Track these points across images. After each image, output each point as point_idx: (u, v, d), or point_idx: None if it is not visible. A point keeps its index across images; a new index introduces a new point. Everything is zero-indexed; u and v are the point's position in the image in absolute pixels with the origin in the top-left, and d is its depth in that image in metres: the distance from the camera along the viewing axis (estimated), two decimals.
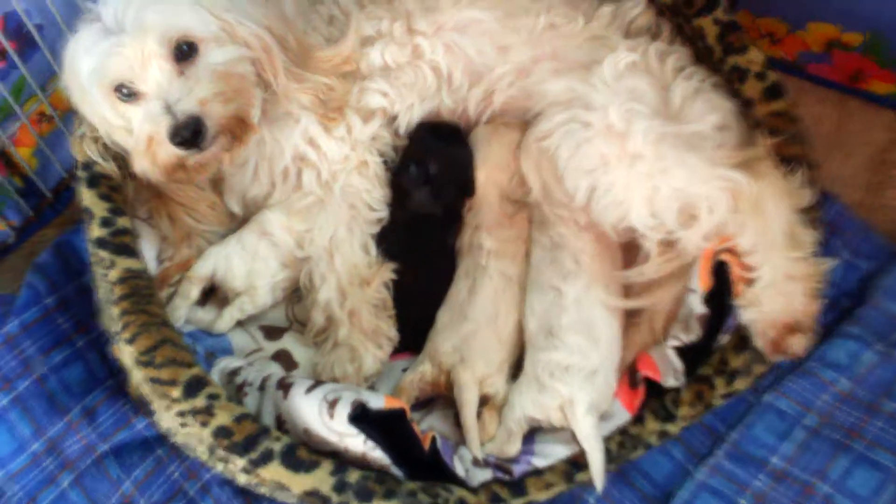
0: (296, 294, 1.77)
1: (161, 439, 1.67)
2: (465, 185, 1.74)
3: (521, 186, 1.72)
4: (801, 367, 1.70)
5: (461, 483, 1.47)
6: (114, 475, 1.65)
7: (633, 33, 1.71)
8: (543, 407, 1.52)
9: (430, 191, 1.72)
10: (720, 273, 1.49)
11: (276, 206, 1.71)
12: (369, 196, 1.72)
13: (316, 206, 1.70)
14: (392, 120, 1.75)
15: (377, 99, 1.70)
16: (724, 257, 1.48)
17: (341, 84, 1.64)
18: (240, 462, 1.35)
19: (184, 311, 1.66)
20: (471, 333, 1.61)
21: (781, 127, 1.55)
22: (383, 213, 1.74)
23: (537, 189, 1.69)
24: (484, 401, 1.59)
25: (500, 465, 1.51)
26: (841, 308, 1.78)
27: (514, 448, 1.53)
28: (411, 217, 1.74)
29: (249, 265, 1.68)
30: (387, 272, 1.69)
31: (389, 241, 1.73)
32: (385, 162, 1.75)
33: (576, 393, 1.50)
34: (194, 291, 1.67)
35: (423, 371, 1.61)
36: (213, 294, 1.73)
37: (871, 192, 1.98)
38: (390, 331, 1.69)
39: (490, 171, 1.73)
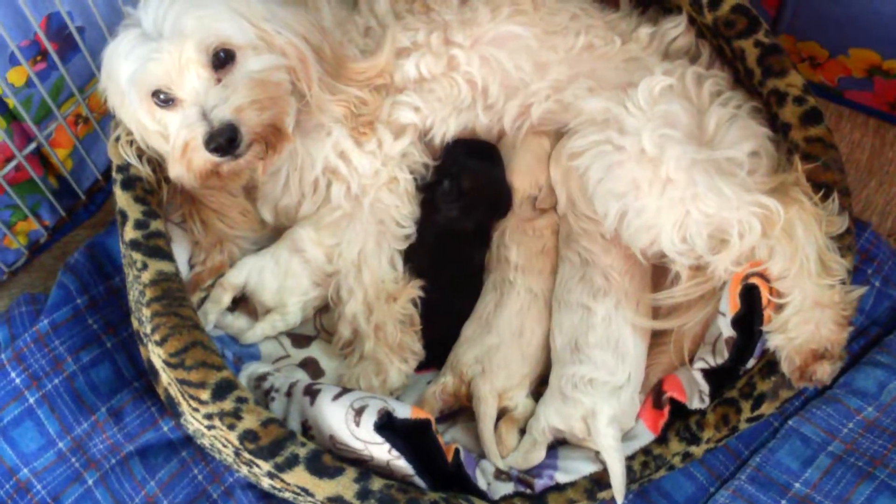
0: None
1: (186, 442, 1.70)
2: (496, 204, 1.74)
3: (550, 195, 1.73)
4: (828, 394, 1.70)
5: (483, 496, 1.47)
6: (138, 476, 1.66)
7: (671, 55, 1.71)
8: (566, 417, 1.53)
9: (461, 207, 1.73)
10: (750, 297, 1.48)
11: (306, 222, 1.71)
12: (398, 212, 1.72)
13: (345, 220, 1.70)
14: (425, 135, 1.75)
15: (408, 114, 1.70)
16: (755, 281, 1.47)
17: (374, 98, 1.64)
18: (265, 466, 1.36)
19: (214, 315, 1.67)
20: (494, 346, 1.62)
21: (817, 153, 1.54)
22: (411, 229, 1.74)
23: (563, 200, 1.70)
24: (503, 413, 1.60)
25: (523, 478, 1.52)
26: (870, 336, 1.77)
27: (538, 456, 1.54)
28: (440, 234, 1.74)
29: (281, 281, 1.69)
30: (414, 289, 1.69)
31: (418, 257, 1.73)
32: (415, 179, 1.75)
33: (599, 404, 1.51)
34: (226, 298, 1.68)
35: (444, 382, 1.62)
36: (244, 301, 1.73)
37: None
38: (415, 345, 1.69)
39: (513, 176, 1.74)
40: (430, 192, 1.75)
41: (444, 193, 1.72)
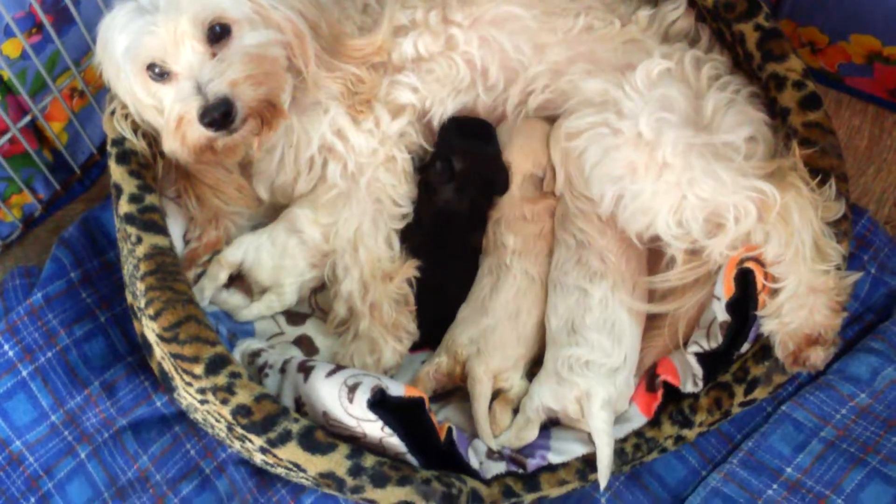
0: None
1: (179, 417, 1.70)
2: (492, 182, 1.74)
3: (551, 181, 1.72)
4: (821, 380, 1.70)
5: (475, 474, 1.47)
6: (131, 450, 1.67)
7: (671, 38, 1.70)
8: (561, 398, 1.53)
9: (455, 188, 1.72)
10: (745, 282, 1.49)
11: (304, 202, 1.71)
12: (395, 191, 1.72)
13: (341, 199, 1.69)
14: (423, 115, 1.74)
15: (406, 94, 1.70)
16: (750, 265, 1.47)
17: (371, 76, 1.64)
18: (257, 441, 1.36)
19: (210, 291, 1.67)
20: (490, 328, 1.61)
21: (815, 138, 1.55)
22: (408, 209, 1.74)
23: (561, 179, 1.70)
24: (497, 394, 1.60)
25: (515, 458, 1.52)
26: (865, 322, 1.78)
27: (530, 435, 1.54)
28: (437, 215, 1.74)
29: (277, 261, 1.69)
30: (410, 269, 1.69)
31: (414, 238, 1.73)
32: (413, 159, 1.75)
33: (594, 386, 1.51)
34: (223, 275, 1.68)
35: (439, 362, 1.62)
36: (239, 278, 1.73)
37: None
38: (410, 325, 1.69)
39: (512, 154, 1.73)
40: (425, 173, 1.75)
41: (437, 175, 1.72)
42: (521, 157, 1.72)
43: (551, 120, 1.73)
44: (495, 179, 1.74)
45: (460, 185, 1.72)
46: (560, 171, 1.70)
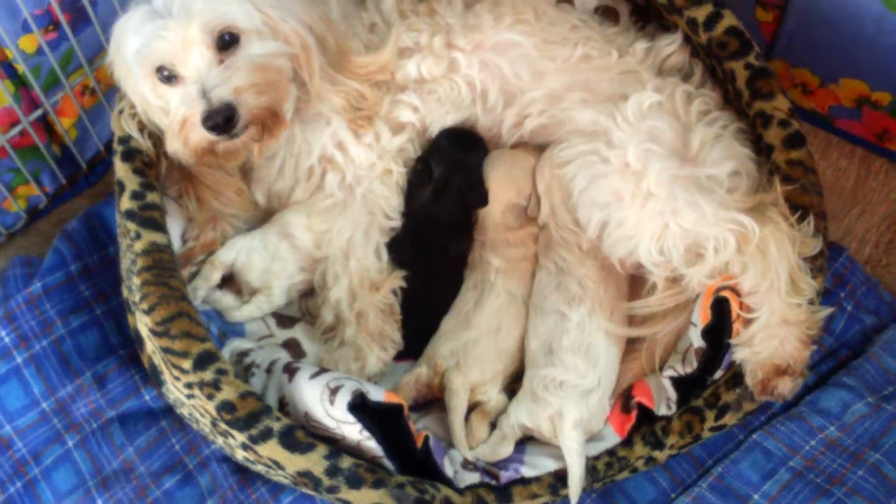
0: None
1: (166, 411, 1.72)
2: (470, 194, 1.76)
3: (535, 208, 1.75)
4: (793, 411, 1.73)
5: (449, 483, 1.50)
6: (117, 441, 1.69)
7: (665, 71, 1.74)
8: (535, 417, 1.56)
9: (433, 191, 1.75)
10: (720, 310, 1.52)
11: (298, 208, 1.74)
12: (387, 204, 1.75)
13: (337, 208, 1.73)
14: (423, 131, 1.78)
15: (407, 113, 1.73)
16: (726, 294, 1.51)
17: (373, 93, 1.68)
18: (240, 437, 1.39)
19: (203, 291, 1.70)
20: (471, 341, 1.65)
21: (797, 175, 1.58)
22: (398, 222, 1.77)
23: (546, 209, 1.73)
24: (475, 406, 1.63)
25: (489, 469, 1.55)
26: (839, 358, 1.81)
27: (506, 450, 1.58)
28: (417, 220, 1.77)
29: (268, 264, 1.72)
30: (396, 279, 1.72)
31: (399, 249, 1.76)
32: (408, 173, 1.78)
33: (566, 406, 1.54)
34: (216, 275, 1.71)
35: (420, 372, 1.65)
36: (231, 280, 1.76)
37: (883, 250, 2.00)
38: (395, 335, 1.72)
39: (496, 187, 1.76)
40: (409, 176, 1.78)
41: (417, 176, 1.75)
42: (502, 188, 1.75)
43: (542, 149, 1.77)
44: (470, 190, 1.76)
45: (436, 190, 1.75)
46: (545, 202, 1.73)
